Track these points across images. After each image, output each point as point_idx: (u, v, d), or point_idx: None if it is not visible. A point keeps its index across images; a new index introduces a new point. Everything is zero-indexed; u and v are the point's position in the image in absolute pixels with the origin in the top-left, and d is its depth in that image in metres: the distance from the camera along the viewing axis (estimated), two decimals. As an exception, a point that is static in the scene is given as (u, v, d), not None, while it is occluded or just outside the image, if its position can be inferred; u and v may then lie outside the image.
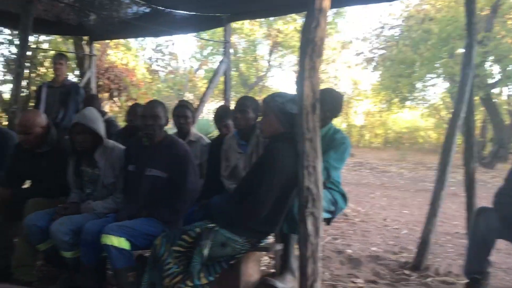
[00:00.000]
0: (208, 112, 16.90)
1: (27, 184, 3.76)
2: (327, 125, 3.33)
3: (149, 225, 2.94)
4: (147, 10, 5.86)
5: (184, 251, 2.59)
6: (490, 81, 14.38)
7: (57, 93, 5.48)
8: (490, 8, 13.54)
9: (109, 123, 4.88)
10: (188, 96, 21.58)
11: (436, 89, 23.29)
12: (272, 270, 3.61)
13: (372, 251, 4.55)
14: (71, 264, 3.04)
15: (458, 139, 4.08)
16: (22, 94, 6.43)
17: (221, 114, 3.99)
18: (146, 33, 7.96)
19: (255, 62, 23.42)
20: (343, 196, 3.40)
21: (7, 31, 10.93)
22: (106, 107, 11.64)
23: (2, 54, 12.04)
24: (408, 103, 20.09)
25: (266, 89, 23.25)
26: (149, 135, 3.12)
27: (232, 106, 4.16)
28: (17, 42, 9.84)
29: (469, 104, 3.97)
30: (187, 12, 5.93)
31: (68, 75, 6.35)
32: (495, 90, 15.74)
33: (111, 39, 10.59)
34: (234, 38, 20.28)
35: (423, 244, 3.97)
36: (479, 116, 16.23)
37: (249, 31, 20.99)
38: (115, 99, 12.33)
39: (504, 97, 18.27)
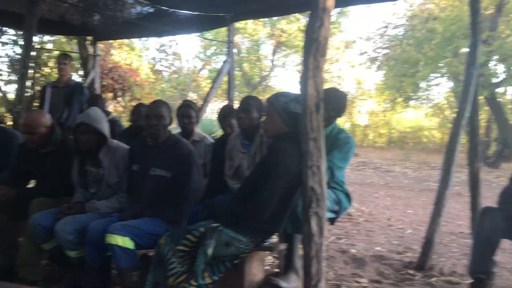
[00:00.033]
0: (211, 112, 16.93)
1: (31, 184, 3.76)
2: (331, 124, 3.33)
3: (153, 225, 2.94)
4: (151, 10, 5.87)
5: (188, 251, 2.59)
6: (494, 80, 14.33)
7: (61, 93, 5.49)
8: (495, 7, 13.50)
9: (113, 123, 4.89)
10: (192, 96, 21.59)
11: (440, 88, 23.37)
12: (276, 270, 3.62)
13: (376, 250, 4.54)
14: (76, 264, 3.04)
15: (463, 139, 4.06)
16: (26, 94, 6.46)
17: (225, 114, 3.99)
18: (150, 33, 7.97)
19: (259, 62, 23.40)
20: (347, 196, 3.39)
21: (11, 31, 10.96)
22: (110, 107, 11.66)
23: (7, 54, 12.11)
24: (412, 102, 20.05)
25: (270, 88, 23.26)
26: (153, 135, 3.12)
27: (236, 105, 4.17)
28: (21, 42, 9.89)
29: (474, 103, 3.96)
30: (191, 12, 5.94)
31: (72, 75, 6.37)
32: (500, 90, 15.70)
33: (115, 39, 10.62)
34: (237, 38, 20.27)
35: (428, 244, 3.96)
36: (484, 115, 16.20)
37: (252, 30, 21.00)
38: (119, 99, 12.36)
39: (508, 97, 18.24)
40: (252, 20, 18.36)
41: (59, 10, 5.94)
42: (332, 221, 3.35)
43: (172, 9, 5.82)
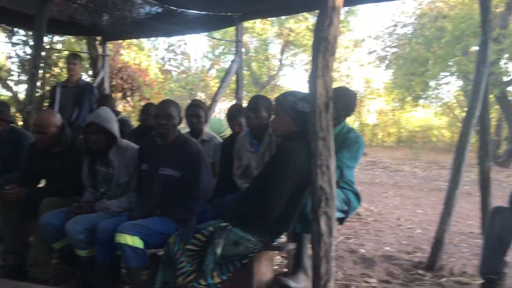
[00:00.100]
0: (220, 111, 16.94)
1: (42, 184, 3.79)
2: (341, 124, 3.31)
3: (162, 224, 2.95)
4: (160, 10, 5.89)
5: (197, 250, 2.60)
6: (505, 79, 14.20)
7: (71, 93, 5.52)
8: (505, 5, 13.37)
9: (123, 122, 4.91)
10: (200, 96, 21.63)
11: (450, 87, 23.08)
12: (285, 270, 3.61)
13: (385, 250, 4.52)
14: (86, 263, 3.06)
15: (473, 138, 4.03)
16: (36, 94, 6.49)
17: (233, 113, 3.99)
18: (159, 33, 8.01)
19: (267, 61, 23.36)
20: (357, 196, 3.38)
21: (22, 32, 11.04)
22: (119, 106, 11.71)
23: (17, 54, 12.18)
24: (421, 101, 19.91)
25: (278, 88, 23.21)
26: (163, 134, 3.13)
27: (245, 105, 4.17)
28: (31, 42, 9.96)
29: (484, 102, 3.93)
30: (199, 12, 5.95)
31: (82, 75, 6.40)
32: (510, 88, 15.53)
33: (124, 39, 10.66)
34: (245, 37, 20.28)
35: (437, 244, 3.93)
36: (494, 114, 16.04)
37: (260, 30, 20.97)
38: (128, 98, 12.40)
39: (519, 95, 18.02)
40: (260, 20, 18.34)
41: (68, 11, 5.97)
42: (341, 220, 3.34)
43: (181, 9, 5.84)
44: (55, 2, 5.42)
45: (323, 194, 2.34)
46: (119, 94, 11.87)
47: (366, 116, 25.75)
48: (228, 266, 2.56)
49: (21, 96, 12.00)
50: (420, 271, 3.84)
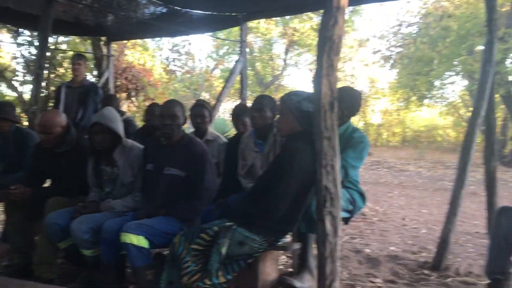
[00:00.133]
0: (224, 111, 16.95)
1: (47, 183, 3.80)
2: (345, 123, 3.30)
3: (167, 224, 2.96)
4: (164, 10, 5.90)
5: (202, 250, 2.60)
6: (511, 78, 14.12)
7: (76, 93, 5.53)
8: (511, 4, 13.29)
9: (127, 122, 4.92)
10: (204, 96, 21.67)
11: (455, 87, 23.06)
12: (290, 269, 3.61)
13: (390, 250, 4.51)
14: (91, 262, 3.07)
15: (478, 138, 4.01)
16: (41, 95, 6.52)
17: (238, 112, 3.99)
18: (163, 33, 8.02)
19: (271, 61, 23.35)
20: (362, 195, 3.37)
21: (27, 32, 11.10)
22: (124, 107, 11.75)
23: (22, 55, 12.24)
24: (426, 101, 19.85)
25: (282, 88, 23.20)
26: (167, 134, 3.13)
27: (249, 105, 4.17)
28: (36, 43, 10.00)
29: (490, 101, 3.91)
30: (204, 12, 5.95)
31: (86, 75, 6.42)
32: (516, 88, 15.46)
33: (128, 39, 10.70)
34: (250, 37, 20.26)
35: (443, 244, 3.92)
36: (500, 114, 15.96)
37: (265, 30, 20.96)
38: (133, 99, 12.44)
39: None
40: (264, 19, 18.33)
41: (73, 11, 5.99)
42: (346, 220, 3.33)
43: (185, 9, 5.85)
44: (60, 2, 5.45)
45: (328, 194, 2.34)
46: (124, 94, 11.91)
47: (371, 116, 25.70)
48: (233, 266, 2.56)
49: (26, 96, 12.06)
50: (426, 271, 3.83)
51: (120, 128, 3.25)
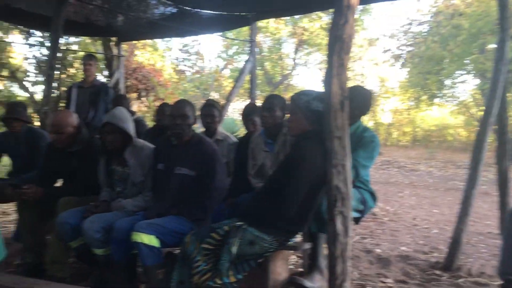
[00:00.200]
0: (233, 111, 16.97)
1: (59, 183, 3.83)
2: (356, 123, 3.29)
3: (178, 223, 2.96)
4: (174, 10, 5.92)
5: (213, 249, 2.60)
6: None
7: (87, 93, 5.57)
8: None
9: (138, 122, 4.94)
10: (214, 95, 21.71)
11: (466, 85, 22.86)
12: (301, 269, 3.60)
13: (401, 250, 4.48)
14: (102, 261, 3.09)
15: (490, 137, 3.98)
16: (53, 95, 6.57)
17: (248, 111, 4.00)
18: (173, 33, 8.04)
19: (280, 61, 23.33)
20: (372, 195, 3.35)
21: (38, 33, 11.20)
22: (134, 107, 11.81)
23: (34, 56, 12.35)
24: (437, 100, 19.73)
25: (291, 87, 23.17)
26: (178, 134, 3.14)
27: (259, 104, 4.17)
28: (48, 44, 10.08)
29: (502, 100, 3.86)
30: (213, 12, 5.96)
31: (97, 75, 6.45)
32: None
33: (138, 39, 10.74)
34: (259, 37, 20.28)
35: (455, 244, 3.89)
36: (512, 112, 15.78)
37: (274, 29, 20.96)
38: (143, 99, 12.50)
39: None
40: (274, 19, 18.32)
41: (84, 12, 6.04)
42: (357, 220, 3.31)
43: (195, 9, 5.86)
44: (71, 3, 5.49)
45: (338, 193, 2.33)
46: (134, 95, 11.98)
47: (381, 115, 25.56)
48: (243, 266, 2.56)
49: (38, 96, 12.19)
50: (437, 272, 3.80)
51: (131, 128, 3.27)
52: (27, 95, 12.75)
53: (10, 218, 5.33)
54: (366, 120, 22.57)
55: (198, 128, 4.81)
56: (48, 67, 5.38)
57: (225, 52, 23.77)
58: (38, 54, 12.13)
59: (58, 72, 10.64)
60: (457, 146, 20.34)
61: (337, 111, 2.33)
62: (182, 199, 3.10)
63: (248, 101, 6.53)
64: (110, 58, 9.62)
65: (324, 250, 3.03)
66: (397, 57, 20.17)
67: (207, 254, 2.59)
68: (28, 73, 13.04)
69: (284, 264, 3.13)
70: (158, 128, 4.63)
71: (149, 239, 2.78)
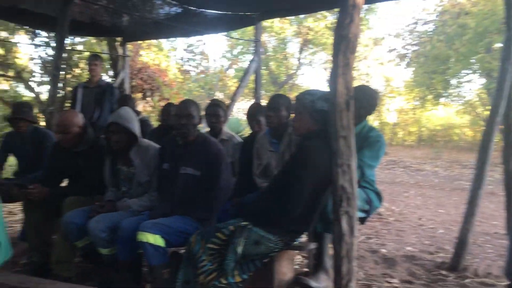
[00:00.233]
0: (238, 110, 16.97)
1: (64, 183, 3.84)
2: (362, 122, 3.28)
3: (183, 223, 2.96)
4: (179, 10, 5.92)
5: (218, 249, 2.60)
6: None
7: (92, 93, 5.58)
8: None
9: (143, 122, 4.95)
10: (218, 95, 21.71)
11: (472, 85, 22.76)
12: (306, 269, 3.60)
13: (407, 250, 4.47)
14: (108, 261, 3.09)
15: (496, 137, 3.95)
16: (58, 95, 6.59)
17: (253, 111, 3.99)
18: (178, 33, 8.05)
19: (285, 60, 23.33)
20: (378, 195, 3.34)
21: (43, 33, 11.23)
22: (139, 107, 11.83)
23: (39, 56, 12.39)
24: (442, 100, 19.66)
25: (296, 87, 23.17)
26: (183, 134, 3.14)
27: (264, 104, 4.16)
28: (53, 44, 10.12)
29: (509, 100, 3.84)
30: (218, 12, 5.96)
31: (102, 75, 6.47)
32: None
33: (143, 39, 10.76)
34: (264, 37, 20.25)
35: (461, 244, 3.87)
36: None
37: (279, 29, 20.95)
38: (148, 99, 12.52)
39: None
40: (278, 19, 18.31)
41: (89, 12, 6.05)
42: (362, 220, 3.30)
43: (200, 9, 5.86)
44: (77, 3, 5.50)
45: (344, 193, 2.32)
46: (139, 95, 11.99)
47: (386, 115, 25.49)
48: (249, 265, 2.56)
49: (44, 97, 12.22)
50: (443, 272, 3.78)
51: (136, 127, 3.28)
52: (33, 95, 12.79)
53: (16, 218, 5.35)
54: (372, 120, 22.52)
55: (203, 128, 4.82)
56: (53, 67, 5.41)
57: (229, 52, 23.82)
58: (43, 55, 12.16)
59: (64, 72, 10.67)
60: (463, 146, 20.27)
61: (343, 110, 2.32)
62: (187, 199, 3.10)
63: (252, 101, 6.52)
64: (115, 58, 9.64)
65: (329, 250, 3.02)
66: (402, 57, 20.12)
67: (212, 254, 2.59)
68: (33, 73, 13.08)
69: (290, 264, 3.13)
70: (163, 128, 4.63)
71: (155, 239, 2.78)
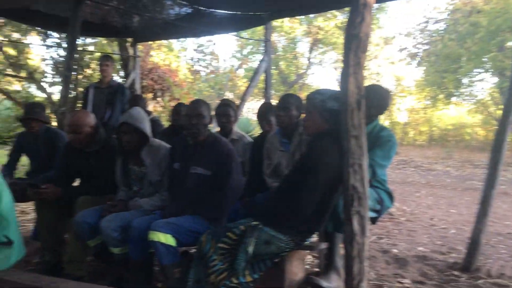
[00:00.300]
0: (248, 110, 16.97)
1: (76, 183, 3.87)
2: (373, 122, 3.26)
3: (194, 222, 2.97)
4: (189, 10, 5.93)
5: (229, 248, 2.60)
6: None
7: (103, 93, 5.61)
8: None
9: (154, 122, 4.97)
10: (228, 95, 21.74)
11: (484, 84, 22.54)
12: (317, 269, 3.59)
13: (418, 251, 4.43)
14: (120, 260, 3.11)
15: (509, 136, 3.91)
16: (70, 96, 6.64)
17: (263, 111, 3.99)
18: (188, 33, 8.07)
19: (295, 60, 23.27)
20: (389, 195, 3.32)
21: (55, 34, 11.32)
22: (150, 107, 11.88)
23: (51, 57, 12.50)
24: (454, 99, 19.51)
25: (306, 86, 23.11)
26: (194, 134, 3.15)
27: (274, 104, 4.16)
28: (65, 45, 10.20)
29: (522, 99, 3.80)
30: (228, 12, 5.96)
31: (113, 76, 6.50)
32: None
33: (154, 40, 10.80)
34: (273, 36, 20.24)
35: (474, 245, 3.83)
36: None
37: (289, 28, 20.91)
38: (159, 99, 12.58)
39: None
40: (288, 18, 18.27)
41: (100, 13, 6.09)
42: (373, 220, 3.28)
43: (210, 9, 5.87)
44: (88, 4, 5.54)
45: (355, 193, 2.31)
46: (150, 95, 12.05)
47: (397, 114, 25.34)
48: (259, 265, 2.56)
49: (55, 97, 12.33)
50: (456, 272, 3.75)
51: (147, 127, 3.29)
52: (45, 95, 12.91)
53: (28, 217, 5.40)
54: (382, 119, 22.40)
55: (214, 128, 4.82)
56: (65, 68, 5.44)
57: (239, 51, 23.83)
58: (55, 55, 12.27)
59: (75, 73, 10.79)
60: (475, 146, 20.08)
61: (354, 110, 2.31)
62: (198, 199, 3.11)
63: (262, 101, 6.52)
64: (126, 59, 9.70)
65: (340, 250, 3.01)
66: (413, 56, 20.00)
67: (223, 253, 2.59)
68: (45, 74, 13.20)
69: (301, 264, 3.12)
70: (174, 128, 4.64)
71: (166, 238, 2.79)
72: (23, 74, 12.69)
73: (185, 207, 3.08)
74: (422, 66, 20.31)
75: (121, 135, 3.27)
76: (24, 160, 4.66)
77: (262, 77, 6.71)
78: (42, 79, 13.04)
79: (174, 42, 16.55)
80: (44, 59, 13.38)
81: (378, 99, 3.24)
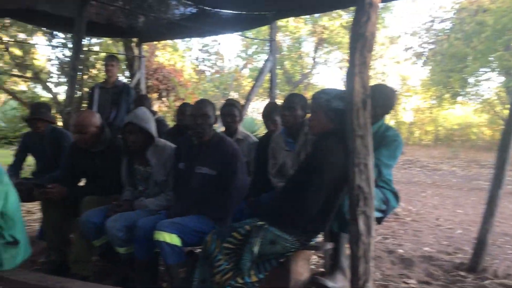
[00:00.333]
0: (253, 110, 16.96)
1: (82, 182, 3.88)
2: (379, 122, 3.24)
3: (199, 222, 2.97)
4: (194, 10, 5.94)
5: (234, 248, 2.60)
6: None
7: (109, 94, 5.63)
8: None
9: (159, 122, 4.97)
10: (233, 95, 21.74)
11: (490, 83, 22.43)
12: (322, 269, 3.58)
13: (424, 251, 4.41)
14: (125, 260, 3.11)
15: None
16: (75, 96, 6.66)
17: (269, 110, 3.98)
18: (193, 33, 8.07)
19: (300, 60, 23.23)
20: (395, 195, 3.30)
21: (61, 35, 11.36)
22: (155, 107, 11.90)
23: (57, 57, 12.53)
24: (459, 98, 19.41)
25: (311, 86, 23.06)
26: (199, 133, 3.15)
27: (279, 103, 4.15)
28: (70, 45, 10.23)
29: (529, 98, 3.78)
30: (233, 12, 5.96)
31: (119, 76, 6.52)
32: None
33: (159, 40, 10.82)
34: (278, 36, 20.22)
35: (480, 245, 3.81)
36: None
37: (294, 28, 20.88)
38: (164, 99, 12.59)
39: None
40: (293, 18, 18.25)
41: (105, 13, 6.10)
42: (379, 220, 3.27)
43: (215, 9, 5.87)
44: (93, 5, 5.55)
45: (361, 193, 2.30)
46: (155, 95, 12.07)
47: (402, 114, 25.24)
48: (265, 265, 2.55)
49: (61, 97, 12.36)
50: (462, 273, 3.73)
51: (152, 127, 3.29)
52: (51, 96, 12.94)
53: (34, 217, 5.42)
54: (388, 119, 22.31)
55: (219, 127, 4.82)
56: (71, 68, 5.46)
57: (244, 51, 23.82)
58: (61, 56, 12.29)
59: (81, 73, 10.81)
60: (481, 145, 19.97)
61: (359, 109, 2.30)
62: (203, 199, 3.11)
63: (268, 101, 6.51)
64: (131, 59, 9.72)
65: (346, 250, 3.00)
66: (419, 55, 19.92)
67: (228, 253, 2.59)
68: (51, 74, 13.22)
69: (306, 264, 3.11)
70: (179, 127, 4.65)
71: (171, 238, 2.79)
72: (29, 74, 12.73)
73: (190, 207, 3.08)
74: (427, 66, 20.24)
75: (127, 135, 3.27)
76: (30, 160, 4.67)
77: (267, 76, 6.71)
78: (48, 79, 13.08)
79: (179, 42, 16.59)
80: (49, 59, 13.42)
81: (384, 98, 3.23)
